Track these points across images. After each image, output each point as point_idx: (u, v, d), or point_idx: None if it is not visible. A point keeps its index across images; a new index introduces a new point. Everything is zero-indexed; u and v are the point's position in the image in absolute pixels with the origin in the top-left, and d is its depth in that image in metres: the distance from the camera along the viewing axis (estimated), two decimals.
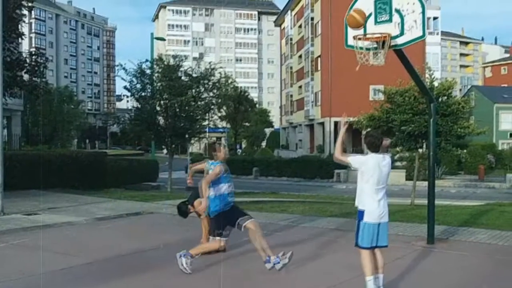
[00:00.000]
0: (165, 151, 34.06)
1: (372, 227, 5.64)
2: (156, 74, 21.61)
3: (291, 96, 67.69)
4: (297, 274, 6.97)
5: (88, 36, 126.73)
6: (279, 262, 6.74)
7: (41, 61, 22.40)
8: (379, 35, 7.08)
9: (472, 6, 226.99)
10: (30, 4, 22.19)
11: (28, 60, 22.00)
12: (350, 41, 7.45)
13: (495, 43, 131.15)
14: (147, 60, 22.10)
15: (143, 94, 21.73)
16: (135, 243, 9.13)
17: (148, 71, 21.57)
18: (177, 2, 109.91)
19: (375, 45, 7.22)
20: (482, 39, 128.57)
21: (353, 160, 5.79)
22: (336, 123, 50.45)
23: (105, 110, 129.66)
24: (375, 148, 5.72)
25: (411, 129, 16.69)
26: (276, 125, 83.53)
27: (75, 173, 19.73)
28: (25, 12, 22.46)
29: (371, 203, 5.64)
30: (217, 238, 6.96)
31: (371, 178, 5.64)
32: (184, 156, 51.17)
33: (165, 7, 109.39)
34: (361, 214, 5.70)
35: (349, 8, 7.55)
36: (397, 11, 7.19)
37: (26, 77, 22.35)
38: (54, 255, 8.12)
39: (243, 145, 75.49)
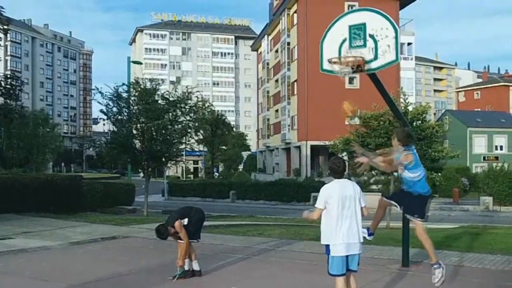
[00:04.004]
0: (141, 174, 33.89)
1: (340, 259, 5.60)
2: (132, 98, 21.60)
3: (268, 119, 68.02)
4: None
5: (64, 59, 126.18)
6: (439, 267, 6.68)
7: (16, 84, 22.16)
8: (354, 59, 7.23)
9: (445, 32, 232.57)
10: (5, 27, 22.05)
11: (3, 83, 21.75)
12: (326, 66, 7.59)
13: (468, 68, 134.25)
14: (123, 84, 22.15)
15: (119, 117, 21.67)
16: (111, 267, 9.01)
17: (124, 95, 21.56)
18: (154, 26, 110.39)
19: (350, 69, 7.37)
20: (456, 64, 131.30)
21: (320, 205, 5.66)
22: (312, 147, 50.80)
23: (81, 133, 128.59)
24: (338, 174, 5.72)
25: None
26: (253, 148, 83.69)
27: (51, 196, 19.46)
28: (1, 35, 22.27)
29: (335, 239, 5.58)
30: (420, 221, 6.77)
31: (335, 208, 5.56)
32: (160, 179, 50.87)
33: (142, 30, 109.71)
34: (327, 248, 5.67)
35: (325, 33, 7.71)
36: (371, 36, 7.36)
37: (0, 100, 22.09)
38: (28, 280, 7.98)
39: (220, 169, 75.34)
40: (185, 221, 7.89)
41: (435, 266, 6.71)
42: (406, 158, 6.56)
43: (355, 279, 5.86)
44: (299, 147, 53.76)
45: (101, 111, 21.73)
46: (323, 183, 6.00)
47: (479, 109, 78.91)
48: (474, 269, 8.61)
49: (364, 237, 6.30)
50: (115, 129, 22.03)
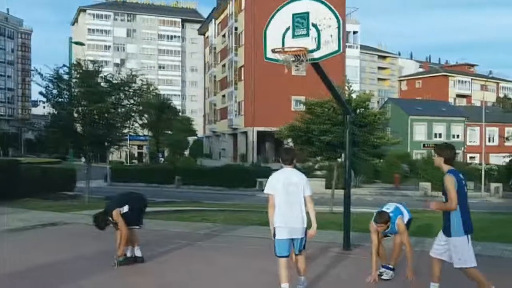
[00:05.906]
0: (83, 159, 33.08)
1: (283, 242, 5.89)
2: (74, 80, 21.00)
3: (215, 105, 67.78)
4: (218, 283, 7.00)
5: (1, 37, 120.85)
6: None
7: None
8: (296, 49, 7.27)
9: (390, 22, 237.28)
10: None
11: None
12: (269, 54, 7.60)
13: (411, 58, 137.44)
14: (64, 65, 21.48)
15: (60, 100, 21.03)
16: (50, 255, 8.79)
17: (65, 77, 20.93)
18: (98, 6, 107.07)
19: (293, 58, 7.40)
20: (399, 54, 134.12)
21: (268, 191, 6.09)
22: (258, 133, 51.07)
23: (19, 116, 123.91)
24: (286, 162, 6.13)
25: (330, 139, 17.22)
26: (200, 133, 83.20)
27: None
28: None
29: (279, 222, 5.91)
30: None
31: (280, 194, 5.95)
32: (103, 164, 49.83)
33: (85, 10, 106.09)
34: (274, 231, 5.97)
35: (268, 21, 7.70)
36: (314, 25, 7.39)
37: None
38: None
39: (166, 154, 74.58)
40: (125, 208, 7.74)
41: (391, 269, 7.22)
42: (402, 226, 7.20)
43: (304, 260, 6.13)
44: (245, 133, 53.92)
45: (41, 93, 21.02)
46: (269, 169, 6.22)
47: (420, 98, 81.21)
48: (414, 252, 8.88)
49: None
50: (56, 112, 21.38)
